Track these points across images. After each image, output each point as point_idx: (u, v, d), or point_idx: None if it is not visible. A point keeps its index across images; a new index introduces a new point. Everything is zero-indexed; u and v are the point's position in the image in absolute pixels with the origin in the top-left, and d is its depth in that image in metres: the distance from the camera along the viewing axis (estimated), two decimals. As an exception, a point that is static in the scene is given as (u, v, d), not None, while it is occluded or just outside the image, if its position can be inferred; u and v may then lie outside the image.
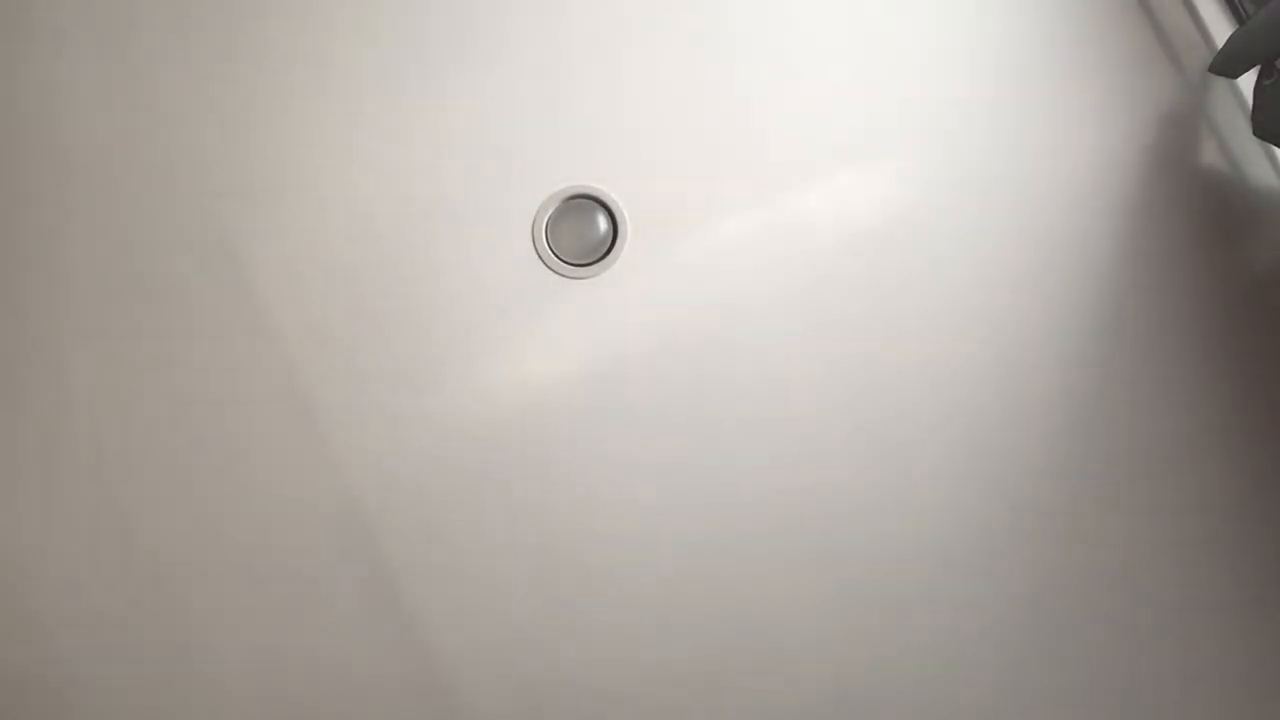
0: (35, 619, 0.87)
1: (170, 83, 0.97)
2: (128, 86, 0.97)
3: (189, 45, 0.98)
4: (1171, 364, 1.00)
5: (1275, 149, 1.03)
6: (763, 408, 0.96)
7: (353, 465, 0.93)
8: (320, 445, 0.93)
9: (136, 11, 0.98)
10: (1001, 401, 0.97)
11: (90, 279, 0.93)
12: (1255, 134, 1.01)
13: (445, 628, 0.92)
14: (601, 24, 1.03)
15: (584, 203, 0.99)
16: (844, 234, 1.00)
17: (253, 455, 0.92)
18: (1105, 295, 1.01)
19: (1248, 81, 1.03)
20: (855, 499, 0.95)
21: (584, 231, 0.99)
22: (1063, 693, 0.95)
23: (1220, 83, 1.05)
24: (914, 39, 1.05)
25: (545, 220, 0.98)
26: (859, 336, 0.98)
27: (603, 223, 0.99)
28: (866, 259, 1.00)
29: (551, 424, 0.95)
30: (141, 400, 0.91)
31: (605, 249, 0.99)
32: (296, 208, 0.95)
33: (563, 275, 0.98)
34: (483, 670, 0.91)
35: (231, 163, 0.96)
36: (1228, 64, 1.02)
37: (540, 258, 0.98)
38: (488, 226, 0.98)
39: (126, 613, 0.87)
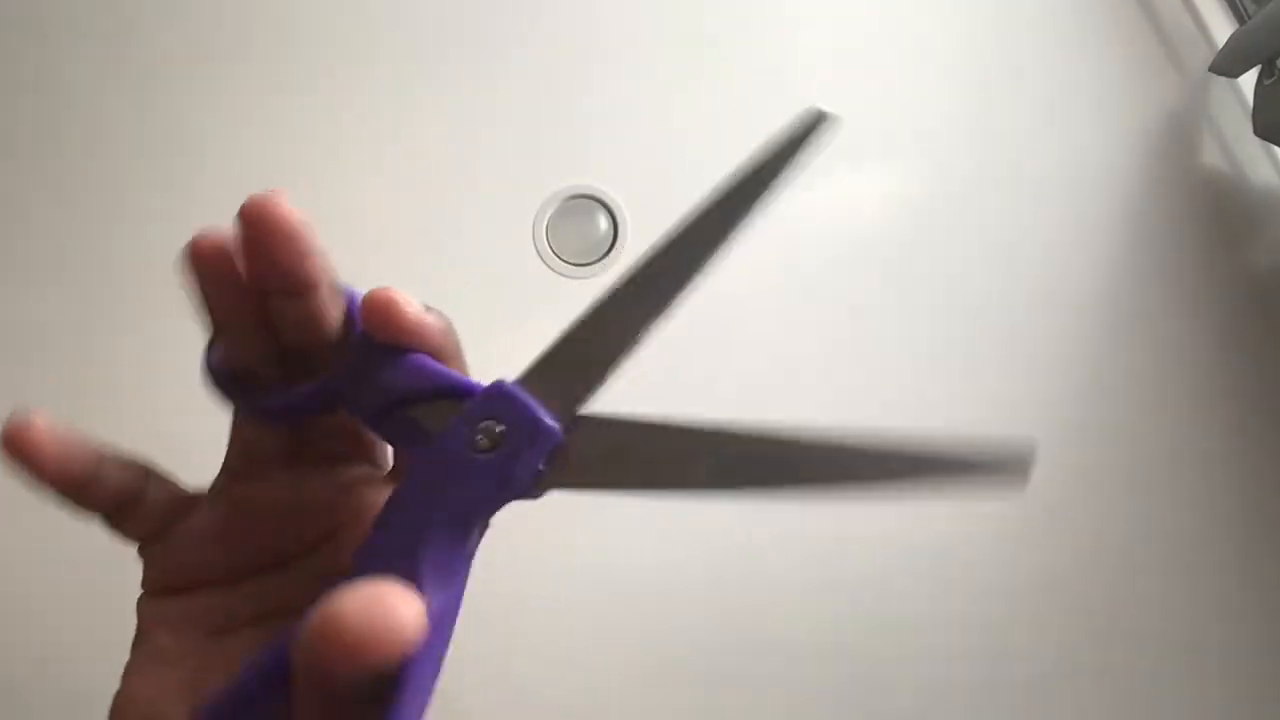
0: (35, 621, 0.87)
1: (168, 83, 0.97)
2: (127, 84, 0.96)
3: (191, 46, 0.98)
4: (1170, 364, 1.00)
5: (1275, 149, 1.03)
6: (763, 407, 0.96)
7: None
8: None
9: (142, 12, 0.97)
10: (1000, 400, 0.98)
11: (93, 275, 0.93)
12: (1256, 134, 1.01)
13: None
14: (602, 24, 1.03)
15: (584, 203, 0.99)
16: (845, 233, 1.00)
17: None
18: (1104, 293, 1.01)
19: (1248, 81, 1.03)
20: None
21: (584, 231, 0.99)
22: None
23: (1220, 82, 1.05)
24: (912, 38, 1.05)
25: (545, 220, 0.98)
26: (861, 335, 0.98)
27: (603, 223, 0.99)
28: (868, 258, 1.00)
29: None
30: (141, 401, 0.91)
31: (605, 249, 0.99)
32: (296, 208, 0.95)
33: (563, 275, 0.97)
34: (482, 672, 0.91)
35: (228, 162, 0.96)
36: (1228, 63, 1.02)
37: (540, 257, 0.97)
38: (487, 226, 0.97)
39: (127, 615, 0.86)
